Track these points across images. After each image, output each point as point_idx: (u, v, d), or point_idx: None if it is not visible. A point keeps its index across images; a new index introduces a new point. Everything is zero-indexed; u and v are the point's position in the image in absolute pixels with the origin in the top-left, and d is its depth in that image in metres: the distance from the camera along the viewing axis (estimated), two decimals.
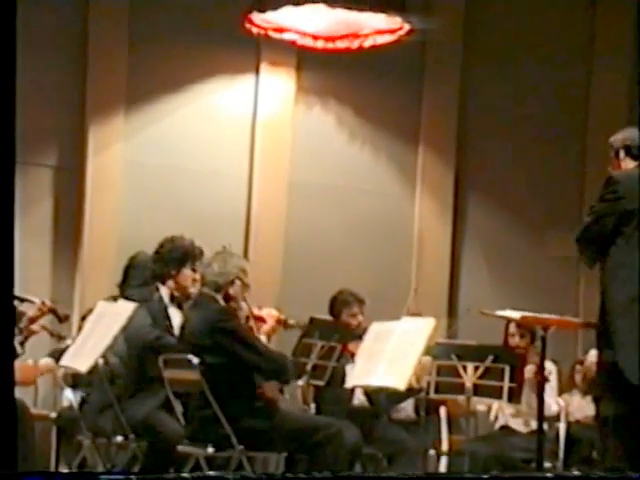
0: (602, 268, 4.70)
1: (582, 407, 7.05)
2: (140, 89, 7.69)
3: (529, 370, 5.79)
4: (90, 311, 5.74)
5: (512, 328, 6.30)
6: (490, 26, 8.47)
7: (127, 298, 5.47)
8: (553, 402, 6.30)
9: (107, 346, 5.18)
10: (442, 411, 6.30)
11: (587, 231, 4.74)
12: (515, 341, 6.26)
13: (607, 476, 4.40)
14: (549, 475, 5.07)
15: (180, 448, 4.97)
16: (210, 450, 4.85)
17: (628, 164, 4.85)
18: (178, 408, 5.07)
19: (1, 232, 3.43)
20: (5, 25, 3.47)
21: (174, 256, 5.43)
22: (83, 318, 6.37)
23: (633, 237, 4.63)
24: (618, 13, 8.55)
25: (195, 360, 4.86)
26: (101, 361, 5.23)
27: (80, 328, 6.19)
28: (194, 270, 5.43)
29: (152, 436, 5.16)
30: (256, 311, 5.34)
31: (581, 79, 8.60)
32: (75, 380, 6.01)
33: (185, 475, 4.34)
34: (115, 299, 5.67)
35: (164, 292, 5.49)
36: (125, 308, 5.27)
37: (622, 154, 4.86)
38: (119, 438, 5.25)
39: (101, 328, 5.29)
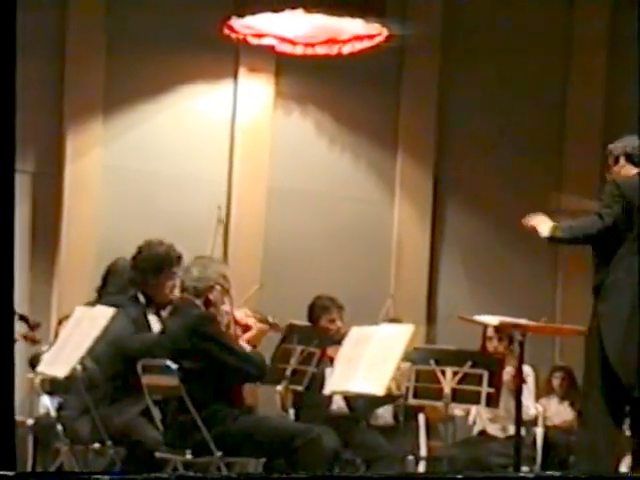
0: (606, 273, 4.72)
1: (560, 412, 7.09)
2: (118, 95, 7.68)
3: (507, 372, 5.81)
4: (67, 316, 5.70)
5: (490, 332, 6.33)
6: (468, 32, 8.51)
7: (105, 304, 5.43)
8: (531, 405, 6.32)
9: (85, 352, 5.15)
10: (421, 416, 6.31)
11: (599, 234, 4.72)
12: (493, 345, 6.28)
13: (580, 476, 4.42)
14: (510, 475, 5.08)
15: (158, 454, 4.96)
16: (188, 456, 4.83)
17: (629, 171, 4.90)
18: (156, 414, 5.05)
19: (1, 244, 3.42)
20: (5, 33, 3.46)
21: (150, 263, 5.37)
22: (59, 323, 6.33)
23: (634, 243, 4.67)
24: (595, 18, 8.62)
25: (174, 366, 4.85)
26: (79, 367, 5.20)
27: (57, 333, 6.16)
28: (172, 277, 5.38)
29: (130, 443, 5.14)
30: (240, 318, 5.31)
31: (559, 83, 8.65)
32: (52, 386, 5.98)
33: (164, 475, 4.33)
34: (93, 304, 5.64)
35: (142, 299, 5.45)
36: (103, 313, 5.23)
37: (622, 160, 4.92)
38: (96, 445, 5.23)
39: (79, 334, 5.25)
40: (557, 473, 5.84)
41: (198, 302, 4.98)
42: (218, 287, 4.99)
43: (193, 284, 4.98)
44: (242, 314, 5.27)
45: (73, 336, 5.29)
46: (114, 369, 5.29)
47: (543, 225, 4.91)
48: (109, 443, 5.15)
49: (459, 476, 4.42)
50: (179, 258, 5.38)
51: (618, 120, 8.49)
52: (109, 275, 5.75)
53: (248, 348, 5.13)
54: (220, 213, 6.57)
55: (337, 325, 6.22)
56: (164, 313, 5.42)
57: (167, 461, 4.93)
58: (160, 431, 5.03)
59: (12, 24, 3.45)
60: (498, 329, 6.14)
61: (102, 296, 5.69)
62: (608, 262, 4.74)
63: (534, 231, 4.93)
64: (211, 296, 4.98)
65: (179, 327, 4.97)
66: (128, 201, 7.74)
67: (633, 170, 4.90)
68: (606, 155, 5.03)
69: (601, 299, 4.72)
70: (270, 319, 5.42)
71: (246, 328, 5.18)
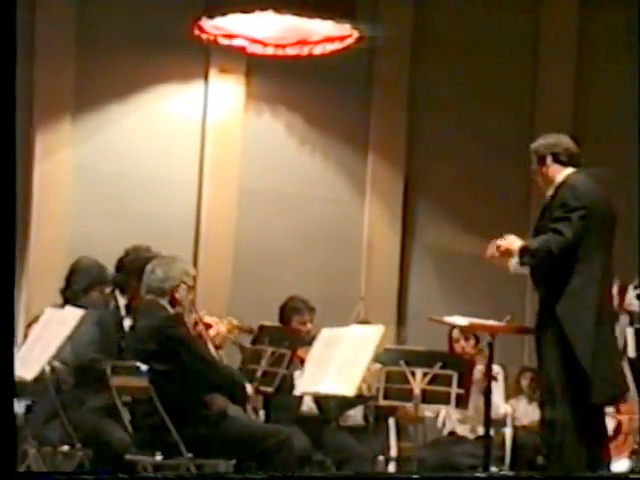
0: (563, 278, 4.71)
1: (528, 412, 7.11)
2: (88, 95, 7.64)
3: (477, 371, 5.82)
4: (36, 319, 5.68)
5: (456, 333, 6.35)
6: (438, 34, 8.54)
7: (75, 305, 5.42)
8: (501, 403, 6.35)
9: (54, 353, 5.13)
10: (391, 417, 6.33)
11: (560, 253, 4.64)
12: (461, 345, 6.31)
13: (533, 476, 4.46)
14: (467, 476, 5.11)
15: (128, 456, 4.94)
16: (158, 458, 4.83)
17: (557, 170, 4.86)
18: (126, 416, 5.04)
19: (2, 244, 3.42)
20: (5, 32, 3.45)
21: (136, 267, 5.38)
22: (29, 325, 6.29)
23: (593, 249, 4.66)
24: (563, 19, 8.67)
25: (143, 367, 4.83)
26: (47, 368, 5.17)
27: (26, 335, 6.12)
28: None
29: (99, 445, 5.13)
30: (206, 319, 5.32)
31: (528, 85, 8.70)
32: (20, 388, 5.94)
33: (122, 476, 4.31)
34: (63, 306, 5.62)
35: (122, 302, 5.45)
36: (72, 315, 5.22)
37: (549, 160, 4.87)
38: (65, 447, 5.20)
39: (48, 335, 5.23)
40: (510, 472, 5.88)
41: (164, 302, 4.98)
42: (184, 285, 5.00)
43: (159, 285, 4.98)
44: (223, 327, 5.28)
45: (42, 337, 5.27)
46: (75, 371, 5.28)
47: (514, 245, 4.78)
48: (78, 445, 5.13)
49: (415, 476, 4.44)
50: None
51: (587, 122, 8.56)
52: (72, 275, 5.75)
53: (213, 347, 5.14)
54: None
55: (308, 327, 6.23)
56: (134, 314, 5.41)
57: (137, 463, 4.92)
58: (129, 433, 5.02)
59: (12, 25, 3.44)
60: (463, 330, 6.16)
61: (66, 296, 5.68)
62: (564, 269, 4.71)
63: (506, 255, 4.83)
64: (177, 295, 4.99)
65: (147, 329, 4.96)
66: (98, 202, 7.70)
67: (562, 170, 4.85)
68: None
69: (561, 304, 4.69)
70: (253, 329, 5.44)
71: (209, 326, 5.19)
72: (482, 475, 5.01)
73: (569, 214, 4.66)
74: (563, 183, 4.81)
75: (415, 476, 4.44)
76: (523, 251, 4.76)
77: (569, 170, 4.83)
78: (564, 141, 4.88)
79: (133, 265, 5.38)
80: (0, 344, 3.46)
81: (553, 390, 4.74)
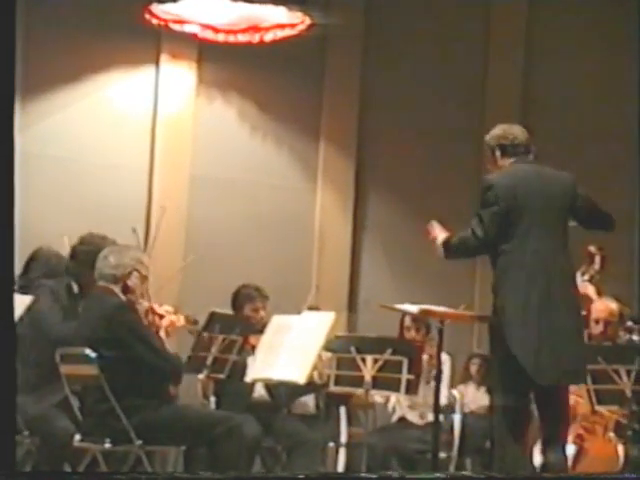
0: (494, 268, 4.80)
1: (477, 398, 7.18)
2: (36, 79, 7.55)
3: (424, 360, 5.87)
4: None
5: (407, 321, 6.39)
6: (390, 21, 8.56)
7: (37, 288, 5.39)
8: (445, 392, 6.41)
9: None
10: (342, 404, 6.35)
11: (476, 251, 4.78)
12: (411, 334, 6.35)
13: (505, 477, 4.51)
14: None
15: (77, 443, 4.92)
16: (107, 445, 4.81)
17: (504, 162, 4.93)
18: (75, 403, 5.01)
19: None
20: (4, 27, 3.42)
21: (90, 256, 5.36)
22: None
23: (523, 236, 4.73)
24: (513, 13, 8.74)
25: (93, 354, 4.81)
26: None
27: None
28: None
29: (43, 432, 5.10)
30: (156, 308, 5.30)
31: (478, 75, 8.76)
32: None
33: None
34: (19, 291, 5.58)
35: (76, 289, 5.44)
36: (21, 302, 5.18)
37: (497, 153, 4.95)
38: None
39: None
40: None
41: (116, 289, 4.97)
42: (136, 273, 4.99)
43: (111, 271, 4.97)
44: (182, 321, 5.27)
45: None
46: (38, 355, 5.24)
47: (438, 239, 4.92)
48: (25, 433, 5.10)
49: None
50: None
51: (535, 115, 8.64)
52: (30, 262, 5.71)
53: (165, 337, 5.13)
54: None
55: (261, 314, 6.22)
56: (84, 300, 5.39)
57: (85, 450, 4.90)
58: (78, 420, 4.99)
59: (12, 24, 3.41)
60: (415, 318, 6.20)
61: (21, 283, 5.64)
62: (496, 259, 4.80)
63: (433, 242, 4.97)
64: (129, 282, 4.98)
65: (97, 315, 4.94)
66: (47, 189, 7.62)
67: (507, 162, 4.91)
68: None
69: (496, 295, 4.77)
70: (197, 321, 5.43)
71: (162, 316, 5.18)
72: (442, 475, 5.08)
73: (481, 211, 4.75)
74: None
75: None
76: (445, 244, 4.86)
77: (511, 160, 4.90)
78: (512, 131, 4.95)
79: (87, 254, 5.37)
80: (1, 342, 3.44)
81: (496, 376, 4.81)
